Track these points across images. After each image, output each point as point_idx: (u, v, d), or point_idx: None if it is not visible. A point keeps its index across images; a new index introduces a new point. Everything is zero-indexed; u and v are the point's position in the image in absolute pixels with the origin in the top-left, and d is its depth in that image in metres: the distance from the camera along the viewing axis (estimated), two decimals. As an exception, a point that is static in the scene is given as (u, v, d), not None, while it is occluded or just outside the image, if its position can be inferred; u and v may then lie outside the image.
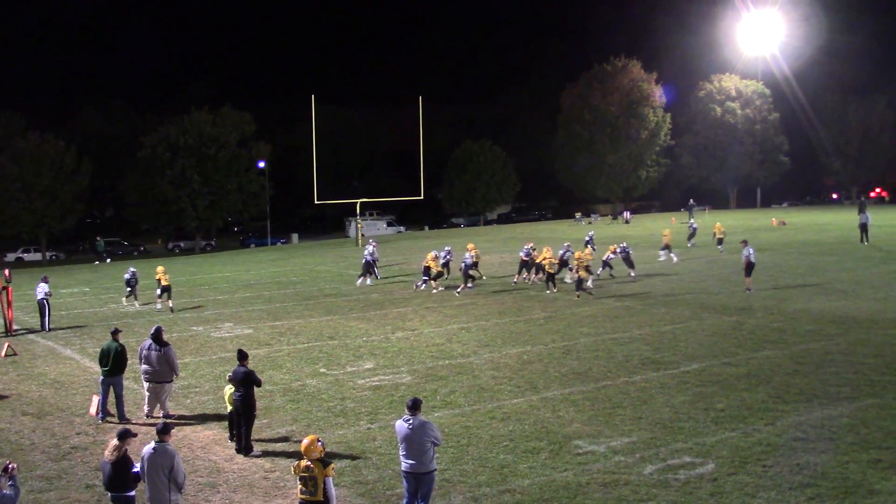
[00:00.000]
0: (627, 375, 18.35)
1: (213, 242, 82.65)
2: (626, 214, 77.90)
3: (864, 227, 44.81)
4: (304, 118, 71.22)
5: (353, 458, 13.78)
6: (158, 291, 31.41)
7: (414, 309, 29.06)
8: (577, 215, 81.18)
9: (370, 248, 37.83)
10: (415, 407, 11.09)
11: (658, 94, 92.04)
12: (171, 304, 30.90)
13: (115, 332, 17.16)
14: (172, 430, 12.01)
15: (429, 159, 67.09)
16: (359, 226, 64.39)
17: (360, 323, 26.67)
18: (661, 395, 16.63)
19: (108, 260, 61.27)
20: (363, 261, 37.27)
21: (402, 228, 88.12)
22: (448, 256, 36.20)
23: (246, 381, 14.46)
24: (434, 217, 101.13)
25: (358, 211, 64.96)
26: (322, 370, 20.11)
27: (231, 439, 14.67)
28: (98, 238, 67.03)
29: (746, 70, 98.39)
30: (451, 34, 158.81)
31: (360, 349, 22.47)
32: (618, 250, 34.88)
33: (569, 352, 21.07)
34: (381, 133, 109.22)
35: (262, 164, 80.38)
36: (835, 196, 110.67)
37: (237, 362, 14.80)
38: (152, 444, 10.73)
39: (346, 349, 22.54)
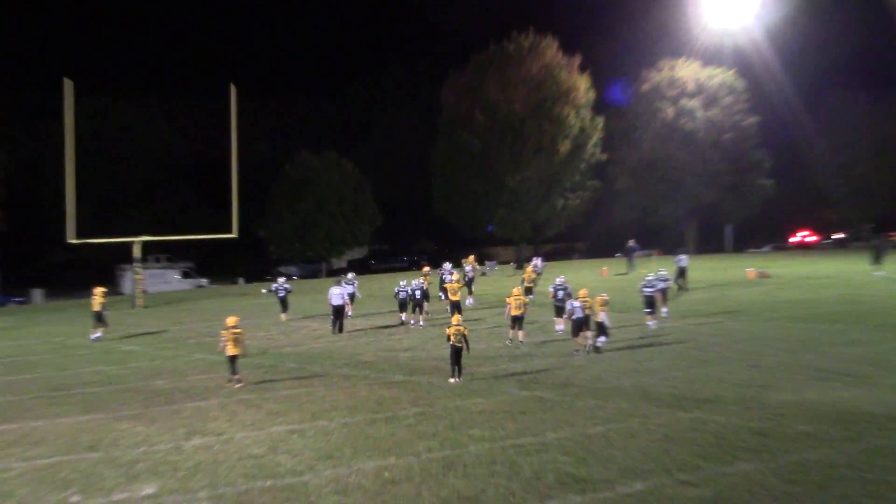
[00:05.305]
0: (539, 501, 18.34)
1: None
2: (538, 262, 78.61)
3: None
4: (55, 115, 70.01)
5: None
6: None
7: (221, 402, 28.66)
8: (465, 263, 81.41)
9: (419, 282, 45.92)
10: None
11: (584, 89, 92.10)
12: None
13: None
14: None
15: (247, 180, 66.75)
16: (137, 278, 63.45)
17: (136, 424, 26.13)
18: (588, 531, 16.70)
19: None
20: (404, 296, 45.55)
21: (204, 281, 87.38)
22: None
23: None
24: (254, 265, 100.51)
25: (137, 255, 64.03)
26: (75, 499, 19.57)
27: None
28: None
29: (710, 54, 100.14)
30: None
31: (137, 465, 21.98)
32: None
33: (452, 465, 20.97)
34: (174, 138, 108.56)
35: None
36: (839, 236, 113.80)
37: None
38: None
39: (113, 465, 22.02)
